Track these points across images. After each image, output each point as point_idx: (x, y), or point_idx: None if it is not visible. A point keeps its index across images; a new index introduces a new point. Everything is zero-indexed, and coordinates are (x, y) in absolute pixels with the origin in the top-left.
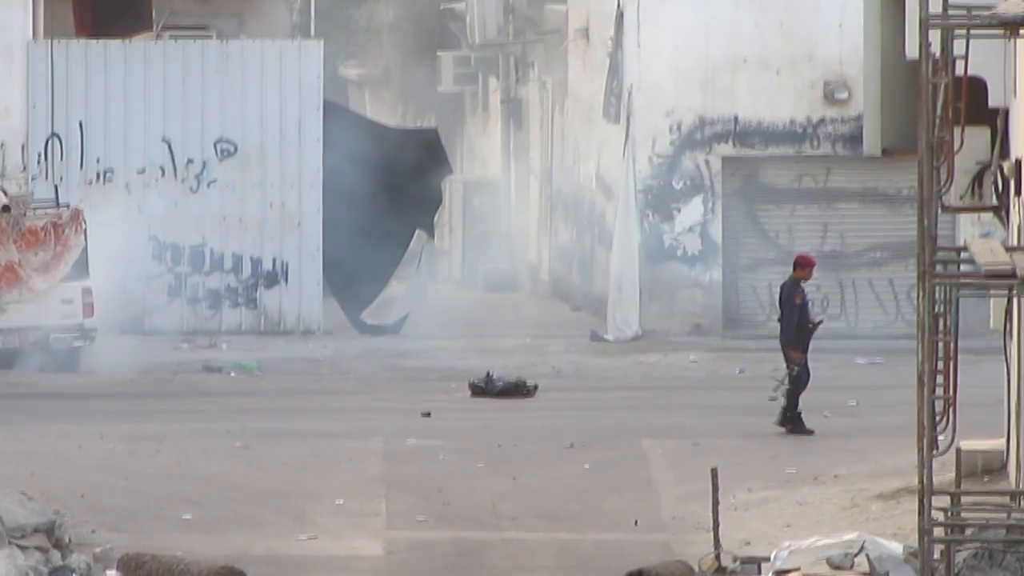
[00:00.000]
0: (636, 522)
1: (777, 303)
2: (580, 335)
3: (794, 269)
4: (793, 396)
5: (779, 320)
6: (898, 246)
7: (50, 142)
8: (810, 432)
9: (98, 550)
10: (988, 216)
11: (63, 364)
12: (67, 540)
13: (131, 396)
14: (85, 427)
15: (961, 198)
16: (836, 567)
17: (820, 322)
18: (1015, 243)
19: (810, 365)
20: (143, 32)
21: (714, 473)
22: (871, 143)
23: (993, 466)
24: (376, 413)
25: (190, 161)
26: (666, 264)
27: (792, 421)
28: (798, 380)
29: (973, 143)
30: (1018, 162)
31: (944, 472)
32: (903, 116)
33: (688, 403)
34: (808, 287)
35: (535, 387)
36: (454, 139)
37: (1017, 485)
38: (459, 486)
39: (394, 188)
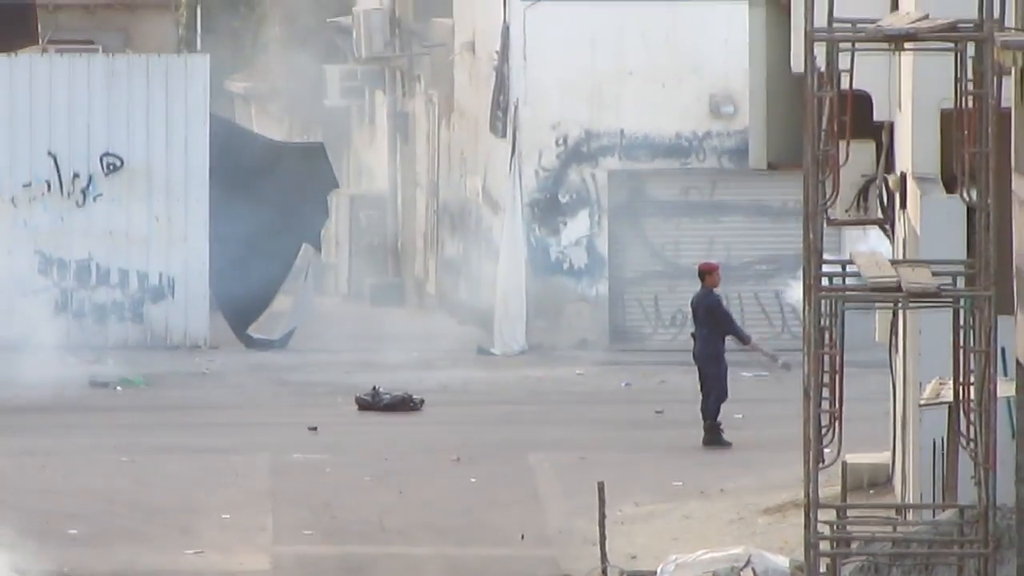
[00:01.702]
0: (523, 537)
1: (692, 318)
2: (467, 349)
3: (702, 279)
4: (713, 408)
5: (692, 335)
6: (784, 259)
7: None
8: (728, 444)
9: None
10: (874, 230)
11: None
12: None
13: (17, 411)
14: None
15: (847, 212)
16: None
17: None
18: (900, 256)
19: (696, 378)
20: (29, 45)
21: (600, 487)
22: (757, 157)
23: (879, 479)
24: (262, 428)
25: (76, 175)
26: (553, 278)
27: (710, 431)
28: (720, 394)
29: (859, 157)
30: (903, 176)
31: (830, 485)
32: (789, 130)
33: (575, 417)
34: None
35: (421, 401)
36: (341, 153)
37: (902, 499)
38: (346, 500)
39: (280, 202)
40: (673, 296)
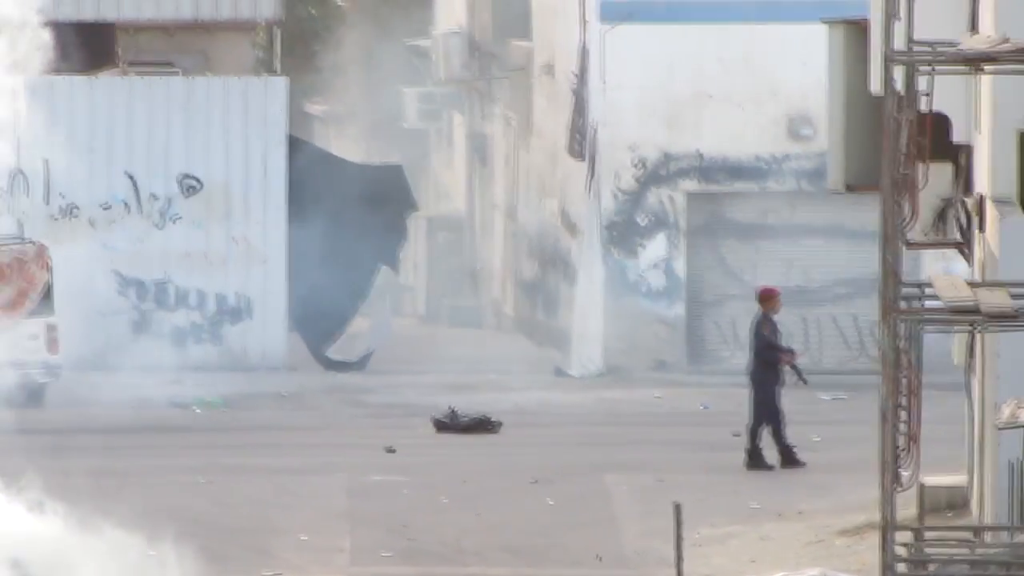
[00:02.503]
0: (599, 558)
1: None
2: (544, 371)
3: (761, 304)
4: (755, 431)
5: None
6: (862, 281)
7: (15, 178)
8: (770, 467)
9: None
10: (952, 252)
11: (28, 400)
12: None
13: (96, 432)
14: (49, 463)
15: (925, 234)
16: None
17: (793, 355)
18: (978, 279)
19: (781, 402)
20: (109, 68)
21: (677, 509)
22: (835, 179)
23: (956, 502)
24: (340, 449)
25: (154, 197)
26: (630, 300)
27: (754, 456)
28: (769, 416)
29: (937, 179)
30: (981, 198)
31: (907, 507)
32: (867, 152)
33: (652, 439)
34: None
35: (499, 423)
36: (418, 175)
37: (980, 520)
38: (423, 522)
39: (358, 224)
40: (751, 318)
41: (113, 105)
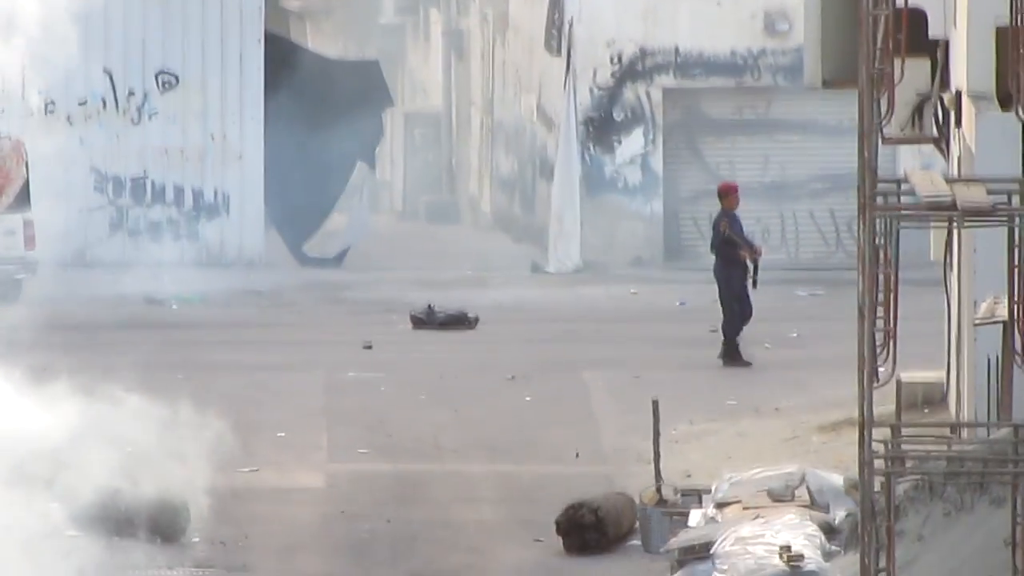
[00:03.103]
0: (577, 454)
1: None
2: (521, 267)
3: (720, 199)
4: (730, 328)
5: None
6: (839, 177)
7: None
8: (747, 364)
9: None
10: (928, 148)
11: (4, 295)
12: None
13: (73, 328)
14: (25, 360)
15: (902, 130)
16: (777, 498)
17: (754, 249)
18: (955, 174)
19: (752, 297)
20: None
21: (655, 405)
22: (811, 74)
23: (933, 398)
24: (317, 346)
25: (131, 93)
26: (607, 196)
27: (728, 352)
28: (736, 314)
29: (913, 75)
30: (958, 93)
31: (884, 404)
32: (844, 47)
33: (629, 335)
34: (748, 218)
35: (476, 319)
36: (395, 71)
37: (957, 417)
38: (400, 418)
39: (335, 120)
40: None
41: (89, 1)
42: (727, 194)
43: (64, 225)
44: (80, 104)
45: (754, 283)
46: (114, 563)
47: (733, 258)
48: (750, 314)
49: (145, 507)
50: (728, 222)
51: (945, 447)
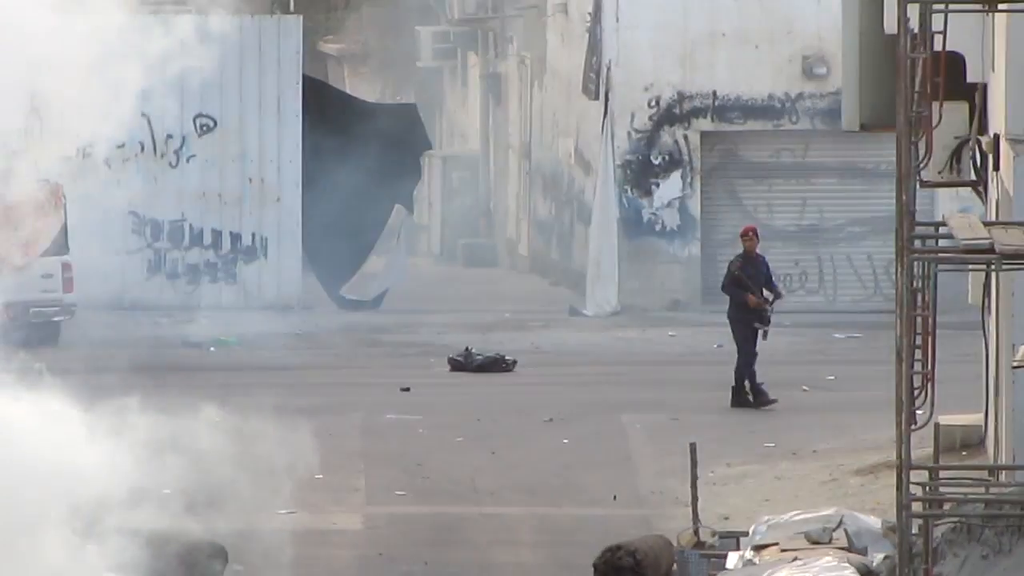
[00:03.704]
0: (615, 497)
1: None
2: (559, 310)
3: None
4: (739, 373)
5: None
6: (876, 221)
7: (28, 117)
8: (773, 400)
9: None
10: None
11: (43, 338)
12: None
13: (110, 371)
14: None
15: (940, 173)
16: (815, 542)
17: (768, 302)
18: (993, 218)
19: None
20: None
21: (693, 448)
22: (849, 118)
23: (971, 441)
24: (355, 388)
25: (169, 136)
26: (645, 239)
27: (736, 395)
28: (738, 352)
29: (951, 118)
30: (996, 137)
31: (922, 447)
32: (882, 91)
33: (667, 378)
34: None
35: (514, 362)
36: (433, 114)
37: (995, 460)
38: (438, 461)
39: (373, 163)
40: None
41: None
42: (742, 236)
43: (102, 268)
44: (118, 147)
45: (763, 334)
46: None
47: (741, 301)
48: (751, 360)
49: (183, 550)
50: (740, 263)
51: (983, 490)
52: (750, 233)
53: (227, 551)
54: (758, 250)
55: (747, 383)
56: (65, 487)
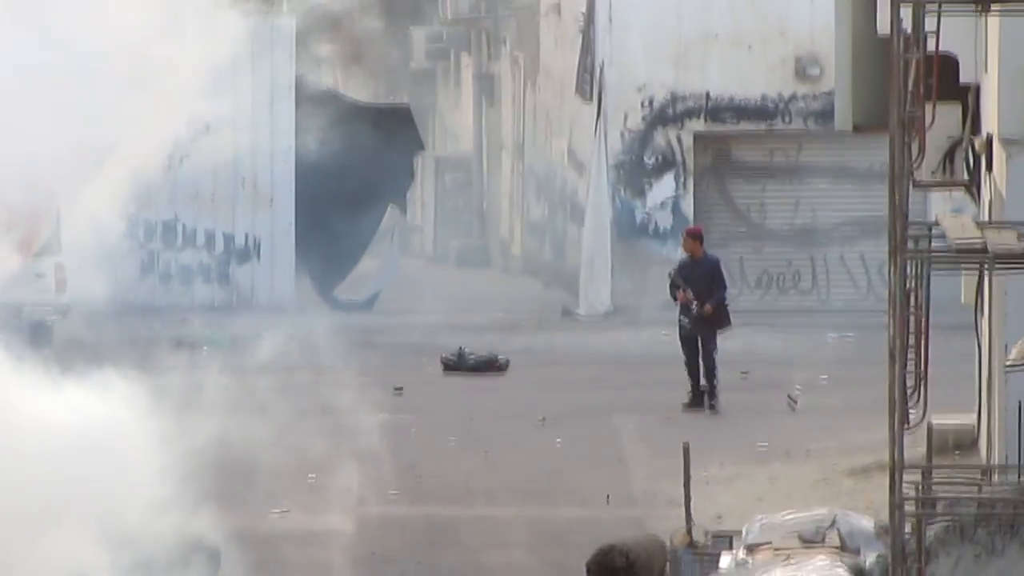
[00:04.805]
0: (608, 498)
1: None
2: (552, 311)
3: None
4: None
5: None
6: (870, 221)
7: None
8: (704, 408)
9: None
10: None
11: (35, 339)
12: None
13: (100, 370)
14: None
15: (933, 174)
16: (807, 542)
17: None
18: (986, 219)
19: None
20: None
21: (686, 449)
22: (842, 119)
23: (964, 441)
24: (348, 389)
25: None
26: (638, 240)
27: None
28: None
29: (944, 119)
30: (989, 138)
31: (915, 447)
32: (874, 92)
33: (660, 379)
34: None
35: (507, 363)
36: (426, 115)
37: (988, 460)
38: (431, 462)
39: (366, 164)
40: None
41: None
42: (684, 238)
43: (93, 269)
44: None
45: (684, 324)
46: None
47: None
48: (695, 357)
49: (175, 550)
50: (678, 266)
51: (976, 490)
52: (686, 235)
53: (220, 551)
54: (715, 253)
55: (694, 381)
56: (59, 488)
